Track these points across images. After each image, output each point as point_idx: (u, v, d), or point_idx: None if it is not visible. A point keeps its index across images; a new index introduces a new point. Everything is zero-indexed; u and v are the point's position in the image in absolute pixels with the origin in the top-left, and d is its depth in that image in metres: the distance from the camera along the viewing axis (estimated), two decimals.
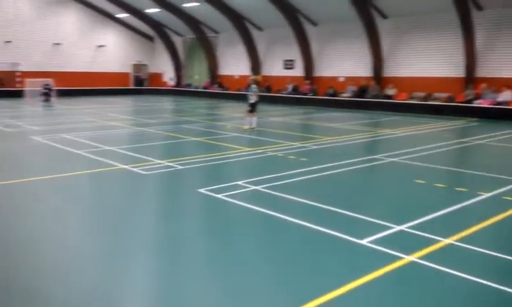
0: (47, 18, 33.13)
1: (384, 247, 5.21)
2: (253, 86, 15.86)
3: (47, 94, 27.75)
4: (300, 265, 4.85)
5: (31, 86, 29.26)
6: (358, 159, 10.50)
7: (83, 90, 33.73)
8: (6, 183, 7.97)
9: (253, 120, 15.59)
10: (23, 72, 31.54)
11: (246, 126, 15.44)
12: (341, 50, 26.48)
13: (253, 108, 15.60)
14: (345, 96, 25.15)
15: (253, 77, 17.11)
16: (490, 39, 20.45)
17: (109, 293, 4.23)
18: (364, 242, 5.37)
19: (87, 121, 17.80)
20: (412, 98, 22.72)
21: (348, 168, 9.55)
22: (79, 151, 10.99)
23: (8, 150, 11.55)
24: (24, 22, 31.94)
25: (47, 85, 28.12)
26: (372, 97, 23.74)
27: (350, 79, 25.63)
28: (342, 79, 26.46)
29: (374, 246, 5.26)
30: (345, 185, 8.46)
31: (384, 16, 23.85)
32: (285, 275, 4.61)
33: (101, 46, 36.08)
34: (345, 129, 16.04)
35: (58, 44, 33.69)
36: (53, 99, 28.02)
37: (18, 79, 31.62)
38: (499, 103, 19.21)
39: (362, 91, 24.55)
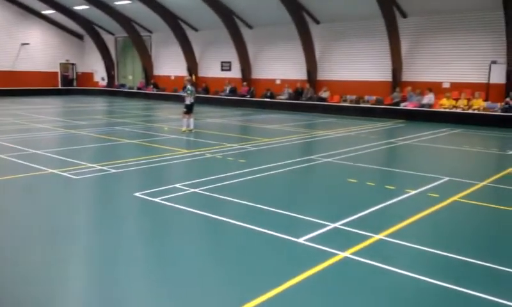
0: None
1: (320, 244, 5.37)
2: (189, 87, 15.61)
3: None
4: (239, 265, 4.86)
5: None
6: (295, 160, 10.74)
7: (7, 90, 31.41)
8: None
9: (190, 122, 15.37)
10: None
11: (184, 128, 15.19)
12: (277, 53, 26.98)
13: (189, 109, 15.37)
14: (282, 98, 25.65)
15: (187, 78, 16.86)
16: (414, 45, 21.88)
17: (41, 303, 3.96)
18: (301, 240, 5.50)
19: (11, 123, 16.58)
20: (344, 100, 23.70)
21: (285, 169, 9.74)
22: (1, 155, 10.20)
23: None
24: None
25: None
26: (307, 99, 24.43)
27: (286, 82, 26.19)
28: (278, 82, 26.96)
29: (310, 244, 5.40)
30: (282, 186, 8.62)
31: (317, 22, 24.65)
32: (224, 277, 4.61)
33: (25, 44, 33.80)
34: (282, 130, 16.35)
35: None
36: None
37: None
38: (423, 106, 20.60)
39: (298, 94, 25.18)
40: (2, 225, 6.06)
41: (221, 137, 14.11)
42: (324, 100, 24.17)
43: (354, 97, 23.45)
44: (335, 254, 5.09)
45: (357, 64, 23.79)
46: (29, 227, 5.99)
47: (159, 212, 6.70)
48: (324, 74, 25.09)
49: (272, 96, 26.12)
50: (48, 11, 32.92)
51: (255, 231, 5.82)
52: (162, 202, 6.99)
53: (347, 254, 5.11)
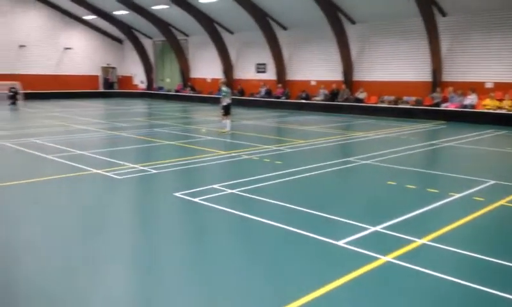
0: (12, 20, 32.08)
1: (361, 248, 5.30)
2: (223, 89, 15.82)
3: (13, 97, 26.85)
4: (278, 267, 4.87)
5: None
6: (332, 161, 10.64)
7: (51, 93, 32.83)
8: None
9: (227, 123, 15.56)
10: None
11: (224, 130, 15.40)
12: (312, 54, 26.81)
13: (226, 111, 15.57)
14: (318, 99, 25.47)
15: (222, 80, 17.06)
16: (455, 44, 21.18)
17: (84, 301, 4.12)
18: (341, 243, 5.45)
19: (56, 125, 17.32)
20: (382, 101, 23.25)
21: (323, 170, 9.66)
22: (49, 156, 10.68)
23: None
24: None
25: (13, 88, 27.24)
26: (344, 101, 24.14)
27: (321, 83, 25.99)
28: (313, 83, 26.79)
29: (350, 247, 5.34)
30: (320, 187, 8.55)
31: (353, 22, 24.32)
32: (262, 278, 4.62)
33: (68, 48, 35.21)
34: (318, 132, 16.23)
35: (23, 46, 32.66)
36: (20, 102, 27.15)
37: None
38: (465, 106, 19.91)
39: (333, 95, 24.93)
40: (48, 222, 6.33)
41: (257, 139, 14.17)
42: (360, 101, 23.82)
43: (392, 98, 22.96)
44: (376, 258, 5.01)
45: (395, 64, 23.29)
46: (73, 225, 6.24)
47: (198, 212, 6.82)
48: (360, 75, 24.72)
49: (307, 98, 25.99)
50: (90, 17, 34.16)
51: (293, 233, 5.81)
52: (201, 202, 7.11)
53: (388, 258, 5.02)
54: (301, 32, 26.80)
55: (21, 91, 27.94)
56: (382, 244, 5.51)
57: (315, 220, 6.36)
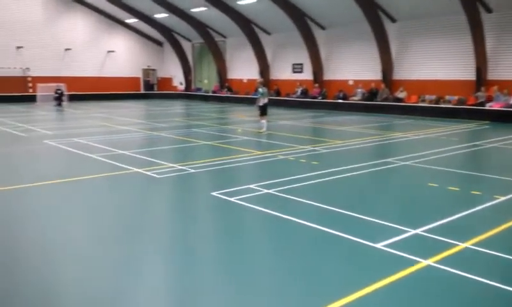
0: (58, 24, 33.57)
1: (400, 251, 5.18)
2: (260, 89, 15.92)
3: (59, 98, 28.08)
4: (313, 269, 4.83)
5: (43, 90, 29.66)
6: (370, 162, 10.46)
7: (94, 95, 34.10)
8: (21, 187, 8.07)
9: (264, 123, 15.63)
10: (34, 77, 31.98)
11: (261, 130, 15.49)
12: (350, 54, 26.44)
13: (263, 111, 15.65)
14: (355, 99, 25.09)
15: (259, 80, 17.16)
16: (501, 41, 20.28)
17: (127, 297, 4.26)
18: (379, 245, 5.35)
19: (99, 125, 17.96)
20: (422, 101, 22.60)
21: (360, 171, 9.51)
22: (92, 155, 11.10)
23: (23, 154, 11.69)
24: (35, 27, 32.39)
25: (58, 89, 28.47)
26: (382, 100, 23.66)
27: (359, 82, 25.58)
28: (351, 82, 26.42)
29: (389, 250, 5.23)
30: (358, 189, 8.43)
31: (393, 20, 23.79)
32: (297, 280, 4.59)
33: (111, 51, 36.44)
34: (356, 132, 15.99)
35: (69, 49, 34.09)
36: (65, 103, 28.35)
37: (29, 84, 32.06)
38: (511, 106, 19.02)
39: (372, 94, 24.49)
40: (91, 220, 6.58)
41: (293, 139, 14.14)
42: (400, 100, 23.27)
43: (433, 97, 22.29)
44: (417, 262, 4.88)
45: (437, 62, 22.57)
46: (115, 222, 6.45)
47: (234, 211, 6.88)
48: (400, 74, 24.13)
49: (344, 98, 25.65)
50: (131, 20, 35.21)
51: (329, 234, 5.76)
52: (238, 202, 7.17)
53: (429, 262, 4.88)
54: (339, 31, 26.49)
55: (66, 93, 29.15)
56: (422, 247, 5.36)
57: (352, 222, 6.28)
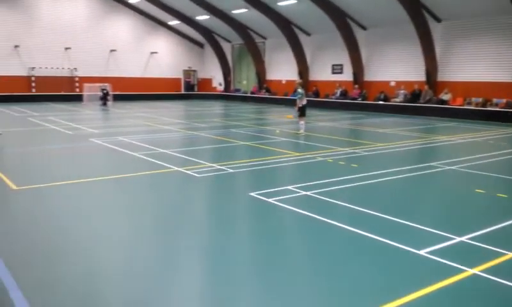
0: (104, 26, 34.82)
1: (444, 258, 5.01)
2: (299, 90, 15.88)
3: (104, 98, 29.11)
4: (352, 274, 4.73)
5: (89, 90, 30.84)
6: (413, 166, 10.17)
7: (137, 95, 35.13)
8: (69, 183, 8.42)
9: (302, 124, 15.57)
10: (81, 77, 33.34)
11: (300, 131, 15.45)
12: (392, 54, 25.84)
13: (301, 112, 15.60)
14: (397, 101, 24.49)
15: (298, 81, 17.12)
16: None
17: (165, 294, 4.35)
18: (422, 252, 5.19)
19: (142, 125, 18.48)
20: (468, 103, 21.75)
21: (402, 175, 9.27)
22: (135, 154, 11.43)
23: (70, 152, 12.21)
24: (82, 29, 33.76)
25: (104, 89, 29.51)
26: (426, 102, 22.96)
27: (401, 84, 24.94)
28: (393, 84, 25.81)
29: (432, 257, 5.06)
30: (400, 193, 8.21)
31: (438, 19, 23.03)
32: (339, 285, 4.51)
33: (154, 52, 37.39)
34: (397, 135, 15.60)
35: (114, 50, 35.28)
36: (110, 103, 29.34)
37: (76, 84, 33.47)
38: None
39: (415, 96, 23.82)
40: (132, 217, 6.77)
41: (332, 141, 13.97)
42: (445, 102, 22.49)
43: (480, 100, 21.40)
44: (462, 270, 4.70)
45: (483, 63, 21.66)
46: (155, 220, 6.61)
47: (273, 212, 6.88)
48: (445, 75, 23.33)
49: (385, 99, 25.09)
50: (174, 22, 36.00)
51: (369, 239, 5.64)
52: (276, 203, 7.16)
53: (476, 271, 4.69)
54: (382, 31, 25.95)
55: (111, 92, 30.18)
56: (468, 255, 5.15)
57: (394, 227, 6.13)
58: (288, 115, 18.51)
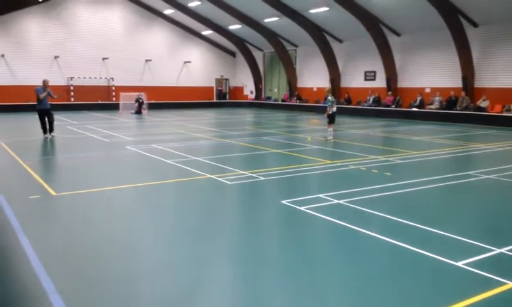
0: (140, 37, 35.82)
1: (483, 270, 4.84)
2: (330, 98, 15.84)
3: (139, 107, 29.86)
4: (389, 286, 4.65)
5: (125, 99, 31.72)
6: (449, 175, 9.89)
7: (171, 103, 35.85)
8: (106, 189, 8.68)
9: (331, 132, 15.60)
10: (117, 86, 34.36)
11: (328, 138, 15.45)
12: (426, 61, 25.31)
13: (331, 119, 15.61)
14: (432, 108, 23.91)
15: (327, 89, 17.07)
16: None
17: (198, 294, 4.41)
18: (460, 264, 5.04)
19: (175, 133, 18.83)
20: (507, 110, 20.98)
21: (438, 184, 9.03)
22: (168, 161, 11.66)
23: (107, 159, 12.59)
24: (119, 40, 34.84)
25: (139, 98, 30.27)
26: (462, 109, 22.30)
27: (437, 90, 24.35)
28: (428, 90, 25.24)
29: (471, 269, 4.91)
30: (435, 202, 8.00)
31: (475, 25, 22.39)
32: (372, 298, 4.41)
33: (187, 62, 38.11)
34: (433, 143, 15.22)
35: (149, 60, 36.20)
36: (145, 112, 30.07)
37: (113, 93, 34.53)
38: None
39: (451, 103, 23.19)
40: (166, 223, 6.90)
41: (364, 149, 13.78)
42: (482, 109, 21.79)
43: None
44: (502, 283, 4.53)
45: None
46: (188, 227, 6.71)
47: (305, 221, 6.84)
48: (482, 81, 22.62)
49: (420, 106, 24.54)
50: (207, 32, 36.61)
51: (403, 249, 5.52)
52: (308, 211, 7.12)
53: None
54: (416, 37, 25.48)
55: (146, 101, 30.92)
56: (509, 267, 4.96)
57: (429, 238, 5.97)
58: (313, 120, 18.44)
